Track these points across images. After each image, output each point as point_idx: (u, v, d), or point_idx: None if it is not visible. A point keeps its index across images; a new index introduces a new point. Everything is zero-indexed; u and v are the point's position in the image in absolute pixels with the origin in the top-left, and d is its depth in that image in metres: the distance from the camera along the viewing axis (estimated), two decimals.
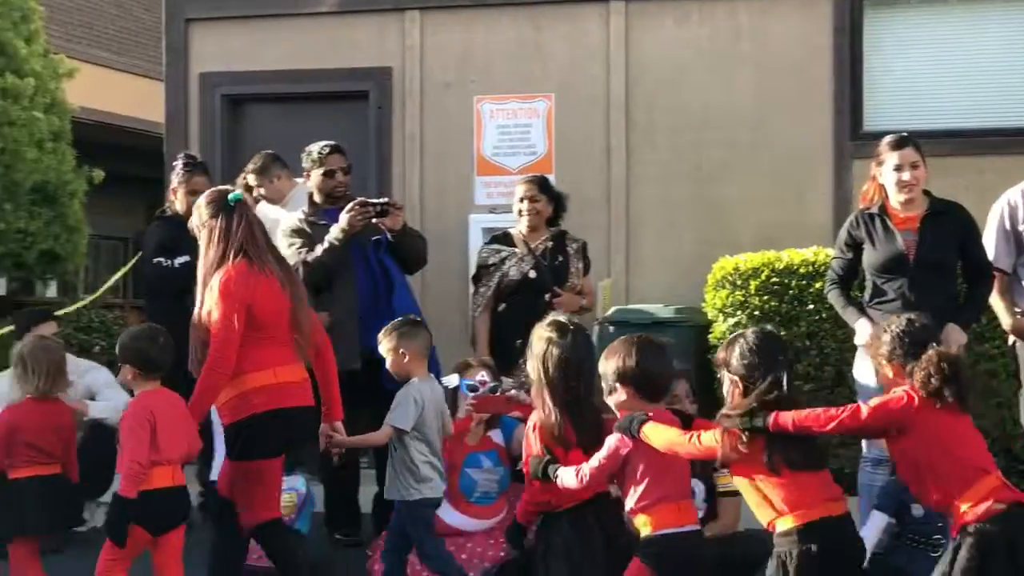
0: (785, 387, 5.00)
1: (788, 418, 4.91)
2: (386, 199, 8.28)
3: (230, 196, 6.32)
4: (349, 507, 8.13)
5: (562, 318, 5.82)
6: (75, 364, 8.39)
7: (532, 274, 8.32)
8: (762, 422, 4.93)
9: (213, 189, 6.53)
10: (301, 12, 10.89)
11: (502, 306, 8.34)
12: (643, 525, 5.26)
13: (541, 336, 5.71)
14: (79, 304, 12.98)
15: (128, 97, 21.03)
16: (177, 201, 8.66)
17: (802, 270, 8.94)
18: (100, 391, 8.50)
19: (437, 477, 6.63)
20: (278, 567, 6.30)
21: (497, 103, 10.58)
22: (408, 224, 8.38)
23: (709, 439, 5.01)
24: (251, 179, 9.17)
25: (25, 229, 12.90)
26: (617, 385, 5.35)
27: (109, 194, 13.97)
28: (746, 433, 4.94)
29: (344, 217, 7.99)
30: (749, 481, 5.05)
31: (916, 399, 4.96)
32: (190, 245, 8.16)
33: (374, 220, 8.05)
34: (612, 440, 5.28)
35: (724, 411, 5.08)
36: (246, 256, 6.14)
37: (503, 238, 8.54)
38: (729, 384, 5.17)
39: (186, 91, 11.17)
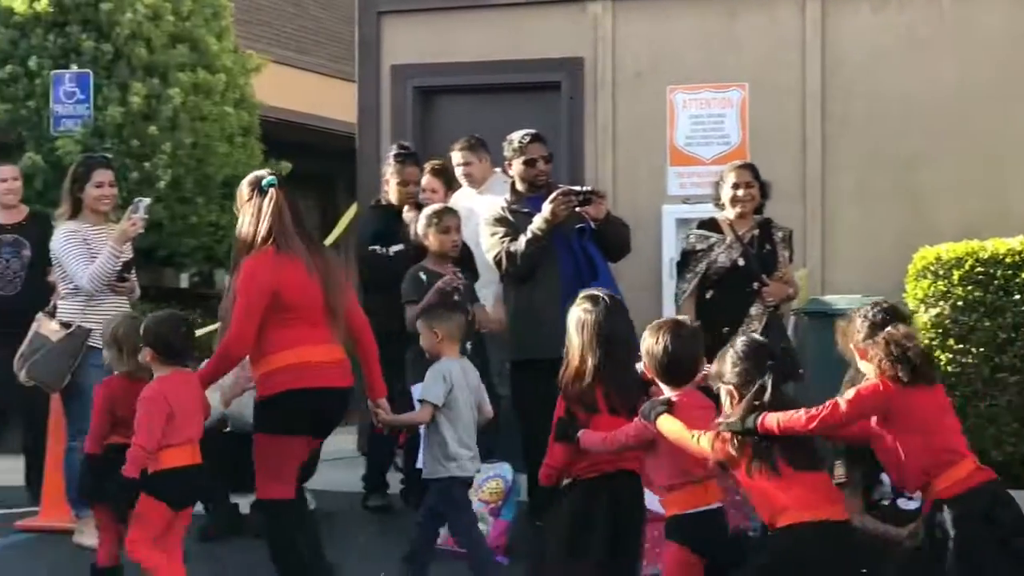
0: (771, 391, 5.06)
1: (774, 420, 4.98)
2: (589, 188, 8.23)
3: (264, 180, 6.42)
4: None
5: (596, 292, 5.96)
6: None
7: (740, 262, 8.20)
8: (752, 424, 5.01)
9: (254, 173, 6.64)
10: (493, 3, 10.91)
11: (709, 293, 8.24)
12: (671, 505, 5.37)
13: (576, 307, 5.86)
14: None
15: (306, 95, 21.29)
16: (390, 191, 8.68)
17: (1008, 259, 8.74)
18: None
19: (467, 456, 6.70)
20: (271, 550, 6.31)
21: (690, 93, 10.49)
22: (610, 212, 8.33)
23: (705, 442, 5.11)
24: (460, 156, 9.21)
25: (216, 222, 13.13)
26: (646, 367, 5.51)
27: (297, 192, 14.11)
28: (736, 437, 5.02)
29: (547, 207, 7.97)
30: (747, 482, 5.10)
31: (887, 385, 5.01)
32: (405, 235, 8.27)
33: (577, 209, 8.02)
34: (639, 422, 5.40)
35: (719, 419, 5.17)
36: (274, 241, 6.23)
37: (709, 224, 8.43)
38: (725, 395, 5.24)
39: (378, 84, 11.23)
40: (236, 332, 6.14)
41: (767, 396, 5.05)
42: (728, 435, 5.04)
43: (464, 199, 9.20)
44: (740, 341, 5.26)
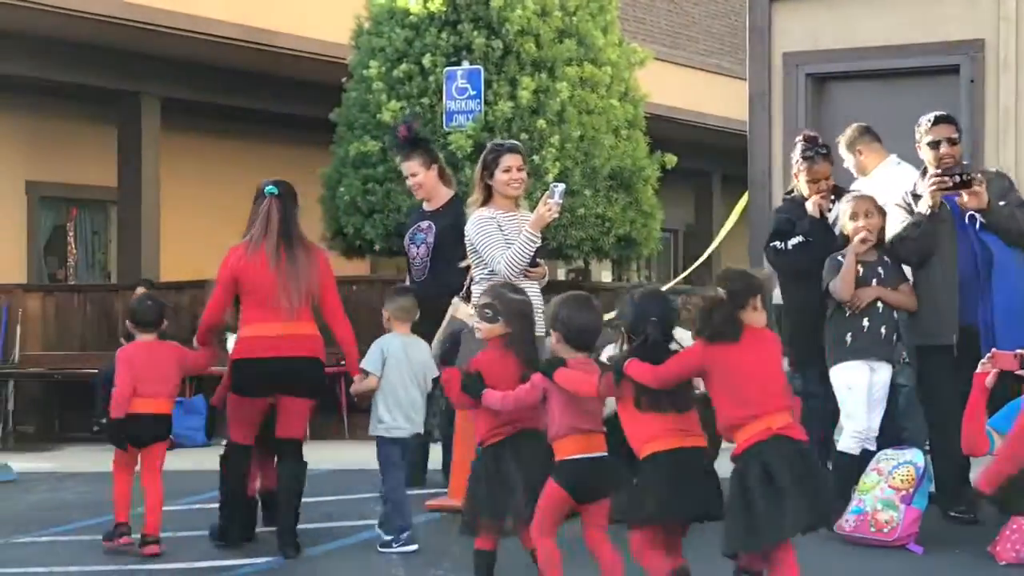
0: (651, 341, 5.71)
1: (633, 368, 5.66)
2: (965, 173, 7.86)
3: (266, 188, 7.68)
4: None
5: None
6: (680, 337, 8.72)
7: None
8: (620, 367, 5.70)
9: (264, 180, 7.79)
10: None
11: None
12: (558, 452, 6.00)
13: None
14: (671, 284, 13.28)
15: (679, 89, 21.37)
16: (800, 185, 8.60)
17: None
18: None
19: (402, 421, 7.66)
20: (220, 488, 7.78)
21: None
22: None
23: (593, 380, 5.85)
24: (841, 151, 9.09)
25: (602, 214, 13.27)
26: (551, 331, 6.14)
27: (662, 187, 14.17)
28: (616, 376, 5.71)
29: (925, 191, 7.79)
30: (624, 415, 5.76)
31: (697, 344, 5.64)
32: (807, 227, 8.17)
33: (950, 192, 7.75)
34: (535, 377, 6.06)
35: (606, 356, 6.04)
36: (250, 239, 7.57)
37: None
38: (619, 335, 5.94)
39: (769, 71, 11.16)
40: (207, 306, 7.80)
41: (648, 343, 5.70)
42: (610, 375, 5.75)
43: (856, 187, 9.04)
44: (638, 290, 5.95)
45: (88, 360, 14.19)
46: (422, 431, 8.06)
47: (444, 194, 9.52)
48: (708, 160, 23.67)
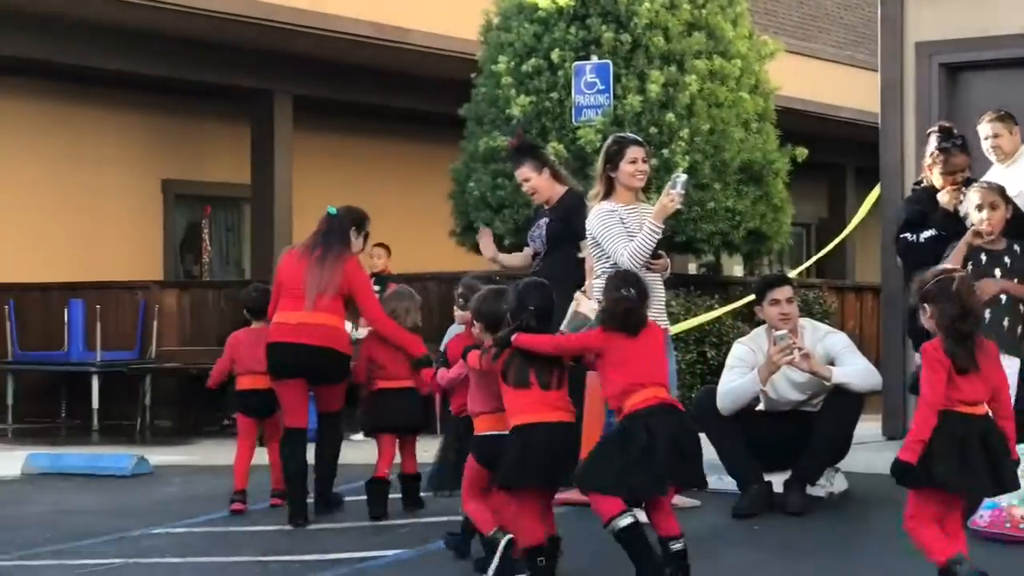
0: (529, 324, 6.55)
1: (525, 339, 6.49)
2: None
3: (328, 208, 8.75)
4: None
5: None
6: (813, 328, 8.74)
7: None
8: (507, 339, 6.52)
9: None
10: None
11: None
12: (477, 426, 6.82)
13: None
14: (793, 274, 13.18)
15: (810, 83, 21.13)
16: (933, 177, 8.46)
17: None
18: (837, 355, 8.49)
19: None
20: (283, 471, 8.63)
21: None
22: None
23: (473, 359, 6.75)
24: (989, 128, 8.97)
25: (733, 208, 13.16)
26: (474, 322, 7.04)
27: (795, 181, 14.02)
28: (493, 352, 6.56)
29: None
30: (503, 389, 6.55)
31: (601, 330, 6.51)
32: (940, 220, 8.04)
33: None
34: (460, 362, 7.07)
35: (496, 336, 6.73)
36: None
37: None
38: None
39: (901, 61, 10.99)
40: None
41: (524, 327, 6.51)
42: (482, 351, 6.65)
43: (994, 175, 8.88)
44: (521, 282, 6.81)
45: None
46: None
47: (559, 192, 9.56)
48: (841, 153, 23.39)
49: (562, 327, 8.19)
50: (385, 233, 12.74)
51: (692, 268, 19.75)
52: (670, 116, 12.79)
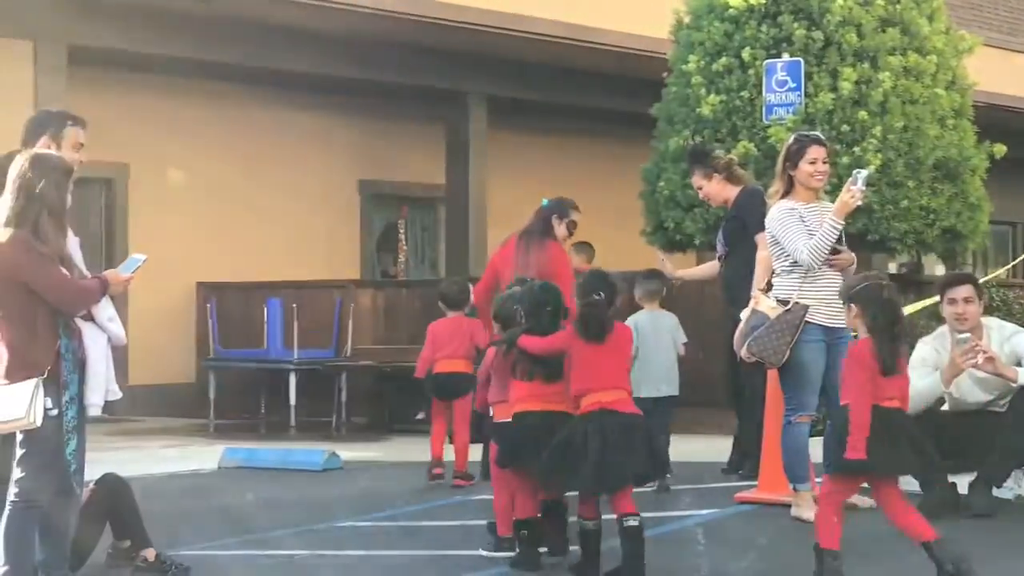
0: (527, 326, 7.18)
1: (527, 340, 7.07)
2: None
3: (543, 201, 9.52)
4: None
5: None
6: (1000, 328, 8.62)
7: None
8: (513, 340, 7.16)
9: None
10: None
11: None
12: (495, 415, 7.49)
13: None
14: (991, 276, 12.88)
15: (1017, 78, 20.63)
16: None
17: None
18: None
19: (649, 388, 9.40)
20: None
21: None
22: None
23: (491, 355, 7.55)
24: None
25: (927, 206, 12.92)
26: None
27: (1002, 178, 13.69)
28: (503, 348, 7.26)
29: None
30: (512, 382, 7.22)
31: (569, 334, 6.95)
32: None
33: None
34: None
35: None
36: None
37: None
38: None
39: None
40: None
41: (542, 326, 7.11)
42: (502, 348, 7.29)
43: None
44: (537, 283, 7.50)
45: (417, 353, 14.57)
46: (676, 393, 9.54)
47: (734, 192, 9.79)
48: None
49: (740, 326, 8.20)
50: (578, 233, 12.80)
51: (892, 267, 19.40)
52: (862, 113, 12.61)
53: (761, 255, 8.70)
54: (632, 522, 6.65)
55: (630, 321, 8.87)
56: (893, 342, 6.31)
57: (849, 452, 6.16)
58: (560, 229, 9.46)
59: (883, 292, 6.41)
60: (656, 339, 9.53)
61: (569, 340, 6.93)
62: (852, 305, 6.46)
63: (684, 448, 10.34)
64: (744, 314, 8.23)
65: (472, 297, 10.11)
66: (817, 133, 8.74)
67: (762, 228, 8.39)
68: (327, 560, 7.56)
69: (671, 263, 10.39)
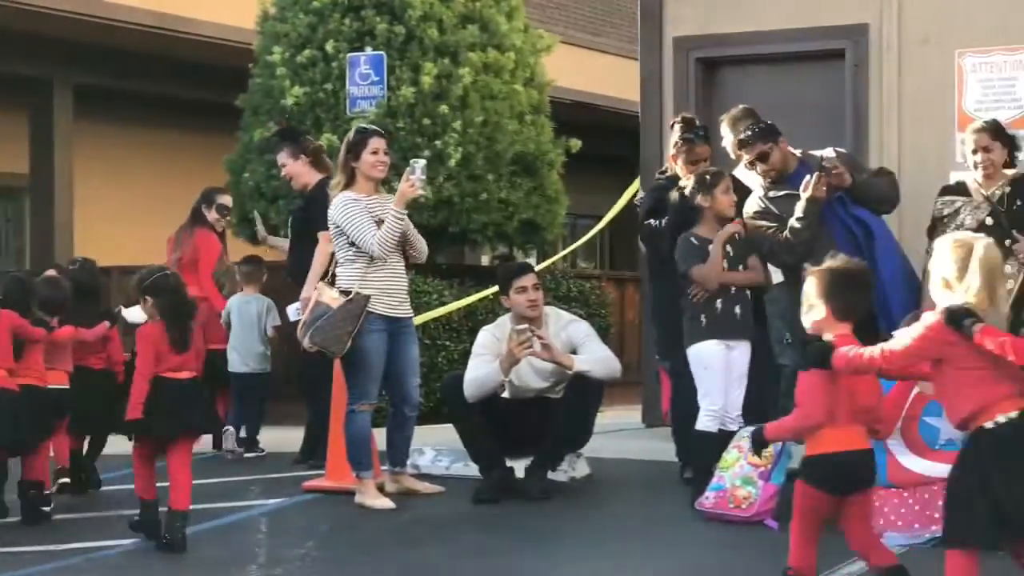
0: None
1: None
2: (823, 163, 8.01)
3: None
4: None
5: None
6: (556, 316, 8.86)
7: (988, 221, 8.02)
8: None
9: None
10: None
11: None
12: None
13: None
14: (546, 264, 13.40)
15: (602, 76, 21.39)
16: (678, 168, 8.67)
17: None
18: (580, 343, 8.64)
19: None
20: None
21: (980, 56, 10.14)
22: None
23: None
24: (723, 129, 9.10)
25: (507, 199, 13.29)
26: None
27: (585, 173, 14.22)
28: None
29: (804, 193, 7.90)
30: None
31: None
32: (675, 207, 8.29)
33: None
34: None
35: None
36: None
37: (956, 188, 8.33)
38: None
39: (660, 56, 11.25)
40: None
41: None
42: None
43: (739, 172, 9.08)
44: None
45: None
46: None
47: (315, 180, 9.82)
48: (628, 145, 23.57)
49: (304, 316, 8.28)
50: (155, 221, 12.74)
51: (484, 260, 19.84)
52: (443, 108, 12.88)
53: (322, 248, 8.84)
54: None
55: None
56: (182, 322, 7.23)
57: (129, 413, 7.09)
58: (211, 214, 10.95)
59: (170, 281, 7.31)
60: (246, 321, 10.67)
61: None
62: (146, 297, 7.25)
63: (268, 438, 10.45)
64: (292, 309, 8.46)
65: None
66: (375, 127, 8.85)
67: (325, 225, 8.50)
68: None
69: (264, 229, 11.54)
